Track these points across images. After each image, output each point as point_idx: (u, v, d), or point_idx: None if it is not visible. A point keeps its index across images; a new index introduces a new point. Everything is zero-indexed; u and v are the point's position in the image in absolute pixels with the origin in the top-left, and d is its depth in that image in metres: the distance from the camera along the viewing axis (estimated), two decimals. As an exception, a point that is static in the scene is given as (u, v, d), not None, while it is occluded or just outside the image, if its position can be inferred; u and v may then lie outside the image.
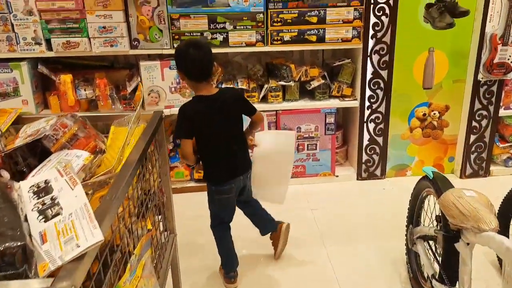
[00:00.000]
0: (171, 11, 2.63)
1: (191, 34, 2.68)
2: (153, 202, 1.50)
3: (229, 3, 2.64)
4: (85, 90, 2.73)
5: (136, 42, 2.68)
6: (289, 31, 2.73)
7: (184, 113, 1.90)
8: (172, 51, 2.70)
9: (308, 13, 2.71)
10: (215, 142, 1.95)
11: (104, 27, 2.59)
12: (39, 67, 2.65)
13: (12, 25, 2.55)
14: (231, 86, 2.87)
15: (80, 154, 1.14)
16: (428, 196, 2.00)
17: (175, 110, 2.57)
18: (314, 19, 2.72)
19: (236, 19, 2.67)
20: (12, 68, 2.63)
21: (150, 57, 2.81)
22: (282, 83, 2.89)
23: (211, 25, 2.67)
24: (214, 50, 2.73)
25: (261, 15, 2.68)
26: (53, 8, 2.52)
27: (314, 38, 2.76)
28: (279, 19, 2.70)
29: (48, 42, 2.62)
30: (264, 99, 2.95)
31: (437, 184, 1.78)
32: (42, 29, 2.57)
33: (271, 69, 3.01)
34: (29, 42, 2.59)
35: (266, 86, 2.90)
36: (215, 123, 1.91)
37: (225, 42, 2.72)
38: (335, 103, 2.97)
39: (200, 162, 2.03)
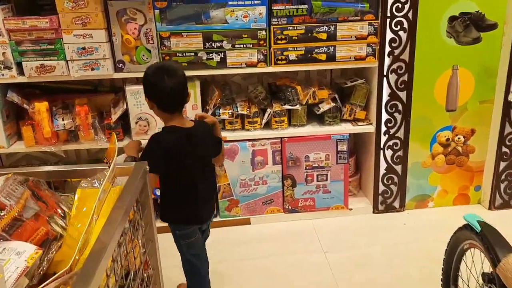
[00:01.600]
0: (160, 29, 2.29)
1: (184, 54, 2.35)
2: (135, 283, 1.15)
3: (227, 19, 2.31)
4: (63, 119, 2.39)
5: (121, 65, 2.34)
6: (295, 49, 2.40)
7: (160, 143, 1.68)
8: (162, 74, 2.36)
9: (317, 29, 2.38)
10: (185, 181, 1.74)
11: (83, 48, 2.25)
12: (8, 94, 2.31)
13: (-23, 47, 2.21)
14: (229, 111, 2.54)
15: (22, 250, 0.79)
16: (471, 250, 1.66)
17: None
18: (323, 36, 2.40)
19: (234, 37, 2.34)
20: (-21, 96, 2.28)
21: (138, 81, 2.47)
22: (288, 107, 2.56)
23: (207, 43, 2.34)
24: (210, 72, 2.44)
25: (263, 32, 2.35)
26: (24, 27, 2.18)
27: (323, 56, 2.43)
28: (283, 36, 2.37)
29: (19, 65, 2.28)
30: (267, 125, 2.61)
31: (489, 241, 1.44)
32: (12, 51, 2.23)
33: (274, 91, 2.68)
34: (-3, 66, 2.25)
35: (269, 110, 2.57)
36: (189, 160, 1.71)
37: (222, 63, 2.39)
38: (347, 128, 2.63)
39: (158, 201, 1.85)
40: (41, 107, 2.32)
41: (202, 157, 1.79)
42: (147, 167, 1.23)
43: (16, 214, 0.82)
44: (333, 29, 2.39)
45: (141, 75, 2.34)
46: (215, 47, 2.35)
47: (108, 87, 2.69)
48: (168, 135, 1.70)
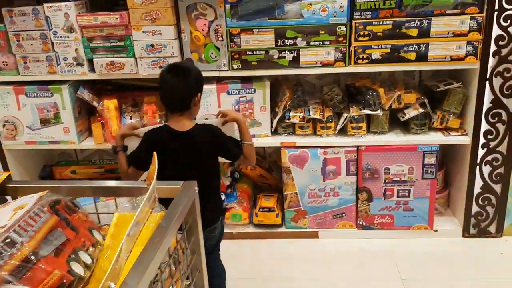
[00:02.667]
0: (231, 25, 2.13)
1: (254, 52, 2.17)
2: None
3: (302, 13, 2.08)
4: (131, 118, 2.34)
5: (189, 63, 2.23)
6: (380, 47, 2.11)
7: (145, 137, 1.71)
8: (231, 73, 2.22)
9: (406, 24, 2.06)
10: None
11: (152, 45, 2.17)
12: (79, 91, 2.30)
13: (52, 43, 2.22)
14: (300, 114, 2.31)
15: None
16: None
17: None
18: (414, 32, 2.07)
19: (310, 33, 2.11)
20: (53, 92, 2.31)
21: (207, 80, 2.34)
22: (367, 111, 2.27)
23: (279, 41, 2.14)
24: (281, 72, 2.23)
25: (343, 28, 2.09)
26: (96, 23, 2.15)
27: (412, 55, 2.11)
28: (366, 32, 2.09)
29: (90, 62, 2.26)
30: (343, 131, 2.35)
31: None
32: (84, 47, 2.21)
33: (352, 93, 2.41)
34: (70, 62, 2.25)
35: (345, 115, 2.30)
36: (178, 167, 1.63)
37: (295, 62, 2.17)
38: (437, 138, 2.28)
39: None
40: (109, 105, 2.29)
41: (188, 164, 1.66)
42: (195, 188, 1.07)
43: (28, 254, 0.70)
44: (426, 24, 2.06)
45: (210, 74, 2.24)
46: (288, 44, 2.14)
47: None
48: (157, 131, 1.70)
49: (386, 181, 2.35)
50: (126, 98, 2.52)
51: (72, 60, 2.24)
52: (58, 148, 2.45)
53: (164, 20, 2.11)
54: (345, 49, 2.13)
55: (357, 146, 2.31)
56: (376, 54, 2.12)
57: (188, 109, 1.69)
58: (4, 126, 2.37)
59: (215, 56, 2.21)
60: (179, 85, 1.65)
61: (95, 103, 2.32)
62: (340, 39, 2.11)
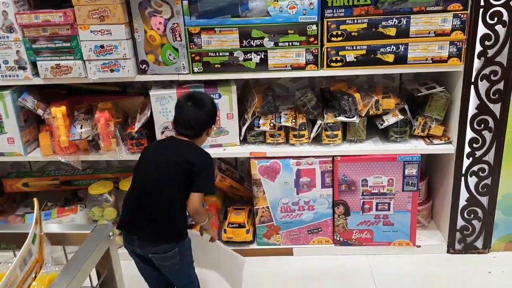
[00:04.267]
0: (190, 24, 1.91)
1: (216, 54, 1.95)
2: None
3: (269, 10, 1.87)
4: (81, 127, 2.10)
5: (144, 66, 2.00)
6: (355, 48, 1.91)
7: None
8: (192, 77, 2.00)
9: (383, 23, 1.87)
10: (136, 182, 1.70)
11: (101, 46, 1.94)
12: (20, 98, 2.06)
13: (-10, 45, 1.98)
14: (271, 121, 2.11)
15: None
16: None
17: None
18: (392, 31, 1.88)
19: (278, 33, 1.90)
20: (-7, 99, 2.06)
21: (164, 84, 2.12)
22: (343, 118, 2.07)
23: (244, 41, 1.92)
24: (247, 76, 2.00)
25: (314, 27, 1.88)
26: (37, 22, 1.91)
27: (391, 57, 1.91)
28: (339, 32, 1.89)
29: (35, 65, 2.02)
30: (317, 140, 2.15)
31: None
32: (26, 49, 1.98)
33: (327, 98, 2.21)
34: (11, 66, 2.01)
35: (320, 122, 2.10)
36: (148, 163, 1.68)
37: (262, 64, 1.96)
38: (419, 147, 2.09)
39: None
40: (57, 112, 2.05)
41: (164, 172, 1.63)
42: (110, 233, 0.85)
43: None
44: (405, 23, 1.86)
45: (168, 77, 2.02)
46: (254, 45, 1.93)
47: (139, 88, 2.38)
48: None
49: (364, 193, 2.15)
50: (80, 104, 2.30)
51: (13, 63, 2.00)
52: (3, 160, 2.20)
53: (114, 18, 1.88)
54: (316, 51, 1.92)
55: (333, 156, 2.11)
56: (350, 56, 1.92)
57: (198, 138, 1.72)
58: None
59: (174, 58, 1.99)
60: (196, 114, 1.67)
61: (39, 111, 2.08)
62: (311, 39, 1.90)
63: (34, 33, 1.94)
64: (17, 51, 1.98)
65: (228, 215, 2.38)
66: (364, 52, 1.91)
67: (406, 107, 2.08)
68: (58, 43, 1.96)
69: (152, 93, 2.04)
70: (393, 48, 1.90)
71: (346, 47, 1.91)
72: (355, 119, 2.07)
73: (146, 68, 2.00)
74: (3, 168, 2.58)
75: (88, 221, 2.33)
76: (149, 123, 2.12)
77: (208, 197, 2.45)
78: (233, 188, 2.49)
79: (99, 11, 1.87)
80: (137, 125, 2.09)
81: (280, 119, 2.13)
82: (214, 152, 2.11)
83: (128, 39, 1.94)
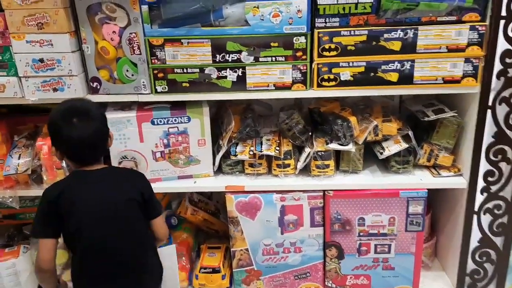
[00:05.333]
0: (150, 33, 1.56)
1: (184, 70, 1.60)
2: None
3: (247, 19, 1.53)
4: (19, 157, 1.72)
5: (95, 84, 1.64)
6: (351, 64, 1.58)
7: (45, 196, 1.34)
8: (155, 97, 1.64)
9: (386, 35, 1.54)
10: (89, 251, 1.34)
11: (41, 60, 1.57)
12: None
13: None
14: (251, 149, 1.77)
15: None
16: None
17: (162, 186, 1.79)
18: (396, 45, 1.56)
19: (258, 45, 1.56)
20: None
21: (122, 106, 1.75)
22: (336, 146, 1.75)
23: (217, 55, 1.57)
24: (222, 96, 1.63)
25: (303, 39, 1.55)
26: (-42, 30, 1.53)
27: (394, 76, 1.60)
28: (333, 46, 1.56)
29: (-41, 82, 1.63)
30: (305, 170, 1.82)
31: None
32: None
33: (317, 121, 1.88)
34: None
35: (308, 150, 1.77)
36: (92, 216, 1.32)
37: (240, 84, 1.62)
38: (424, 181, 1.78)
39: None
40: (-12, 140, 1.67)
41: (119, 214, 1.36)
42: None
43: None
44: (411, 35, 1.54)
45: (125, 98, 1.66)
46: (230, 60, 1.58)
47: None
48: (61, 183, 1.38)
49: (361, 234, 1.83)
50: (24, 124, 1.92)
51: None
52: None
53: (55, 25, 1.51)
54: (305, 67, 1.59)
55: (324, 191, 1.79)
56: (346, 74, 1.59)
57: (104, 154, 1.47)
58: None
59: (132, 75, 1.63)
60: (94, 129, 1.35)
61: (-35, 139, 1.69)
62: (299, 54, 1.57)
63: (-45, 43, 1.56)
64: None
65: (201, 255, 2.03)
66: (362, 69, 1.59)
67: (410, 133, 1.77)
68: (-14, 56, 1.58)
69: (108, 115, 1.67)
70: (397, 65, 1.58)
71: (341, 64, 1.58)
72: (351, 147, 1.74)
73: (98, 87, 1.64)
74: None
75: (32, 267, 1.95)
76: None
77: (178, 233, 2.11)
78: (207, 221, 2.14)
79: (36, 17, 1.50)
80: (89, 154, 1.72)
81: (261, 146, 1.79)
82: (182, 186, 1.78)
83: (74, 51, 1.57)
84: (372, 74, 1.59)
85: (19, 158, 1.71)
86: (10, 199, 1.74)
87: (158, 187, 1.79)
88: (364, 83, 1.61)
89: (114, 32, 1.56)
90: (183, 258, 2.01)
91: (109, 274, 1.37)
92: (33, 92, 1.61)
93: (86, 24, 1.55)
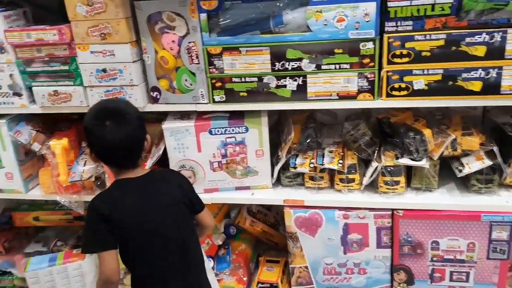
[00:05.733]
0: (209, 42, 1.51)
1: (242, 79, 1.53)
2: None
3: (309, 24, 1.42)
4: (85, 163, 1.77)
5: (155, 93, 1.63)
6: (426, 72, 1.41)
7: (93, 209, 1.30)
8: (212, 107, 1.60)
9: (468, 39, 1.36)
10: (148, 255, 1.32)
11: (104, 70, 1.59)
12: (14, 129, 1.76)
13: (-19, 67, 1.70)
14: (311, 161, 1.66)
15: None
16: None
17: (219, 197, 1.75)
18: (480, 51, 1.36)
19: (321, 52, 1.45)
20: (-11, 129, 1.78)
21: (181, 115, 1.73)
22: (407, 161, 1.58)
23: (277, 63, 1.49)
24: (280, 106, 1.54)
25: (370, 45, 1.41)
26: (29, 41, 1.60)
27: (477, 85, 1.40)
28: (405, 52, 1.40)
29: (31, 91, 1.71)
30: (371, 186, 1.67)
31: None
32: (20, 73, 1.67)
33: (386, 133, 1.72)
34: (5, 92, 1.72)
35: (376, 164, 1.62)
36: (149, 223, 1.30)
37: (300, 93, 1.52)
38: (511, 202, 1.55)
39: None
40: (56, 148, 1.73)
41: (172, 216, 1.35)
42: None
43: None
44: (499, 39, 1.34)
45: (183, 107, 1.64)
46: (289, 68, 1.49)
47: (158, 113, 2.01)
48: (108, 195, 1.33)
49: (434, 259, 1.65)
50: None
51: (7, 88, 1.71)
52: (2, 197, 1.93)
53: (117, 36, 1.52)
54: (373, 75, 1.45)
55: (392, 210, 1.63)
56: (420, 83, 1.43)
57: (139, 159, 1.39)
58: None
59: (190, 84, 1.60)
60: (126, 140, 1.27)
61: (35, 146, 1.77)
62: (366, 60, 1.43)
63: (28, 54, 1.64)
64: (11, 75, 1.68)
65: (259, 267, 1.96)
66: (439, 77, 1.41)
67: (495, 148, 1.55)
68: (55, 66, 1.64)
69: (165, 126, 1.67)
70: (480, 73, 1.38)
71: (414, 71, 1.42)
72: (424, 162, 1.57)
73: (158, 96, 1.63)
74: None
75: (96, 269, 2.01)
76: (165, 158, 1.75)
77: (236, 243, 2.06)
78: (266, 233, 2.07)
79: (99, 27, 1.52)
80: (149, 162, 1.73)
81: (323, 159, 1.67)
82: (240, 197, 1.72)
83: (135, 61, 1.57)
84: (450, 82, 1.41)
85: (84, 165, 1.76)
86: (76, 204, 1.79)
87: (215, 198, 1.76)
88: (441, 92, 1.43)
89: (173, 41, 1.53)
90: (241, 270, 1.95)
91: (176, 273, 1.37)
92: (96, 100, 1.64)
93: (146, 34, 1.54)
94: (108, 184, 1.75)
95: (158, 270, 1.34)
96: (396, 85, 1.45)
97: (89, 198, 1.80)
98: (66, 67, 1.62)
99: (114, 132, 1.24)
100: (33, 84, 1.68)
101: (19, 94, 1.71)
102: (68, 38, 1.56)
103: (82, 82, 1.63)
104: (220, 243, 1.98)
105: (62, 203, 1.79)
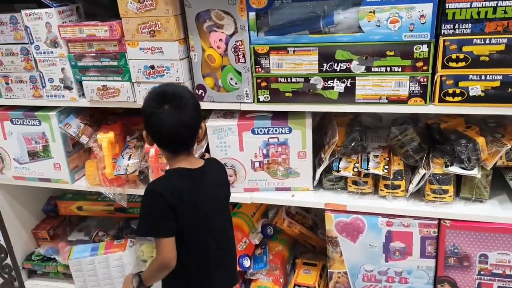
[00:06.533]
0: (256, 41, 1.50)
1: (288, 79, 1.51)
2: None
3: (361, 25, 1.38)
4: (129, 157, 1.80)
5: (201, 91, 1.64)
6: (483, 77, 1.34)
7: (158, 195, 1.28)
8: (256, 106, 1.59)
9: (532, 43, 1.28)
10: (201, 245, 1.37)
11: (151, 67, 1.61)
12: (64, 122, 1.82)
13: (35, 60, 1.75)
14: (355, 165, 1.62)
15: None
16: None
17: (260, 197, 1.74)
18: (546, 56, 1.28)
19: (372, 54, 1.41)
20: (41, 120, 1.85)
21: (224, 114, 1.73)
22: (457, 170, 1.52)
23: (325, 64, 1.46)
24: (326, 108, 1.51)
25: (425, 48, 1.36)
26: (82, 37, 1.63)
27: (539, 93, 1.32)
28: (462, 56, 1.34)
29: (82, 85, 1.76)
30: (418, 194, 1.62)
31: None
32: (71, 67, 1.72)
33: (435, 139, 1.65)
34: (56, 85, 1.77)
35: (423, 172, 1.56)
36: (206, 213, 1.36)
37: (347, 95, 1.48)
38: None
39: None
40: (103, 141, 1.77)
41: (221, 208, 1.45)
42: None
43: None
44: None
45: (227, 106, 1.64)
46: (338, 70, 1.45)
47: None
48: (170, 181, 1.33)
49: (482, 272, 1.58)
50: (137, 125, 2.01)
51: (58, 82, 1.76)
52: (49, 186, 2.00)
53: (166, 33, 1.53)
54: (426, 80, 1.39)
55: (439, 219, 1.57)
56: (476, 89, 1.36)
57: (194, 145, 1.45)
58: (-11, 157, 1.97)
59: (236, 83, 1.59)
60: (185, 122, 1.29)
61: (83, 138, 1.82)
62: (419, 64, 1.38)
63: (79, 48, 1.68)
64: (62, 69, 1.73)
65: (296, 270, 1.94)
66: (497, 84, 1.34)
67: (555, 160, 1.46)
68: (104, 61, 1.67)
69: (209, 123, 1.67)
70: (544, 80, 1.30)
71: (471, 76, 1.35)
72: (476, 172, 1.50)
73: (203, 94, 1.64)
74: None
75: (136, 261, 2.05)
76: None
77: (273, 244, 2.05)
78: (304, 235, 2.05)
79: (149, 24, 1.54)
80: (192, 160, 1.73)
81: (368, 163, 1.63)
82: (280, 198, 1.70)
83: (182, 59, 1.58)
84: (510, 90, 1.34)
85: (129, 159, 1.79)
86: (120, 196, 1.83)
87: (255, 197, 1.75)
88: (499, 100, 1.36)
89: (221, 40, 1.53)
90: (277, 271, 1.94)
91: (220, 263, 1.43)
92: (143, 97, 1.65)
93: (194, 32, 1.55)
94: (151, 178, 1.77)
95: (206, 260, 1.38)
96: (450, 91, 1.39)
97: (133, 191, 1.86)
98: (115, 63, 1.65)
99: (172, 116, 1.25)
100: (83, 78, 1.72)
101: (69, 88, 1.75)
102: (119, 35, 1.59)
103: (130, 78, 1.65)
104: (257, 242, 1.97)
105: (107, 195, 1.83)
